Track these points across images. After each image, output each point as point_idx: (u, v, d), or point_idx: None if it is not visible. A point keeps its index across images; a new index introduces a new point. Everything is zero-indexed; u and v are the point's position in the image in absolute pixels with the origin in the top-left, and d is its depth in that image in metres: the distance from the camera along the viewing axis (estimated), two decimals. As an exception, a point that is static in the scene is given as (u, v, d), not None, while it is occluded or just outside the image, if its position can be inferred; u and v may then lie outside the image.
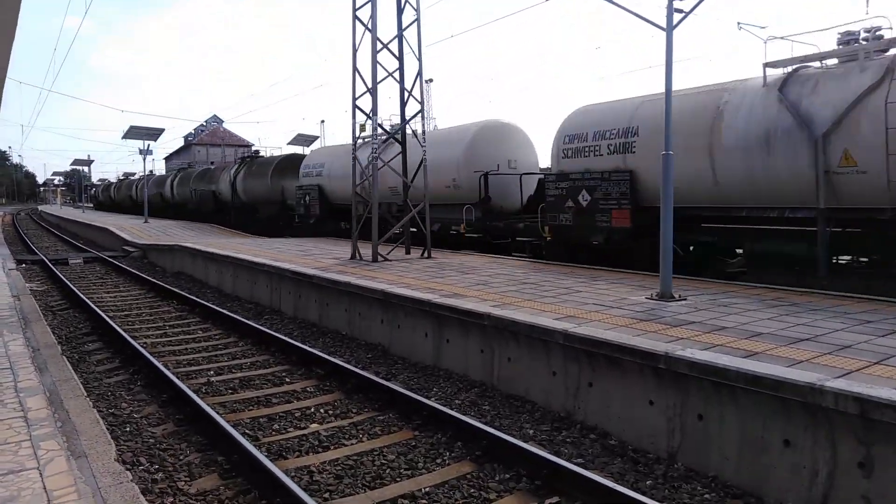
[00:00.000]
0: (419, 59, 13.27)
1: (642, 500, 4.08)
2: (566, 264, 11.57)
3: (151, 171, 49.45)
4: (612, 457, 5.24)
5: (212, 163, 52.43)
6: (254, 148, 31.84)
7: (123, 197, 55.06)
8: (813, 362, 4.84)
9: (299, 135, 34.06)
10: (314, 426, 6.00)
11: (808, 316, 6.60)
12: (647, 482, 4.78)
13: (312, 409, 6.44)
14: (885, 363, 4.81)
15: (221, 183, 30.19)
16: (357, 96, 12.98)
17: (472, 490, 4.69)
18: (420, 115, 13.80)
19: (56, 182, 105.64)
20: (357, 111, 13.07)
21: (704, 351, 5.18)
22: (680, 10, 7.49)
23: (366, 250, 12.84)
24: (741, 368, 4.68)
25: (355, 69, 12.94)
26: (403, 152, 13.83)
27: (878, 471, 4.00)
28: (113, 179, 70.15)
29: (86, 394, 5.90)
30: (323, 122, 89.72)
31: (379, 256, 12.54)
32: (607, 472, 4.93)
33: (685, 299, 7.61)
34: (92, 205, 73.40)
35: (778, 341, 5.51)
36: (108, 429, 5.27)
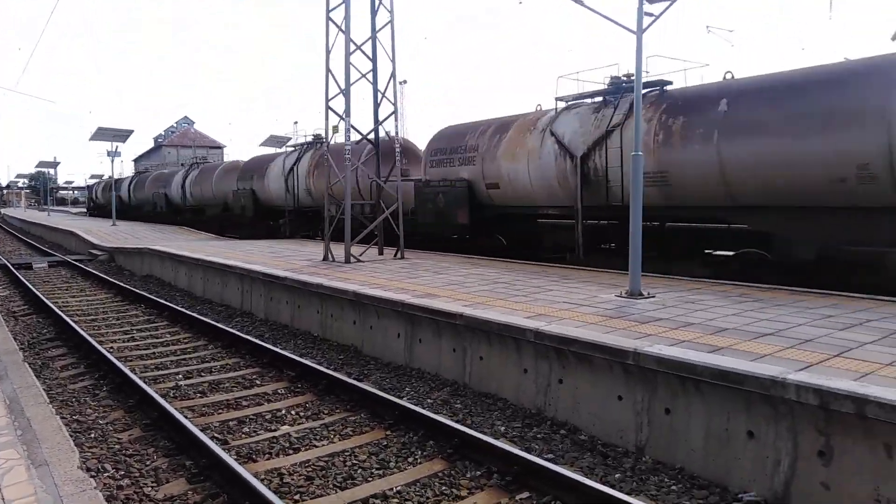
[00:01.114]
0: (392, 61, 13.25)
1: (610, 494, 4.13)
2: (538, 263, 11.68)
3: (145, 171, 42.20)
4: (581, 451, 5.30)
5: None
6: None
7: (147, 199, 36.31)
8: (776, 356, 4.96)
9: (272, 136, 33.73)
10: (285, 428, 5.94)
11: (772, 311, 6.75)
12: (616, 475, 4.84)
13: (283, 411, 6.38)
14: (843, 356, 4.95)
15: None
16: (330, 97, 12.91)
17: (444, 488, 4.69)
18: (394, 116, 13.78)
19: (20, 185, 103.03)
20: (330, 112, 13.00)
21: (672, 347, 5.27)
22: (650, 14, 7.60)
23: (338, 251, 12.76)
24: (708, 363, 4.77)
25: (328, 70, 12.86)
26: (377, 154, 13.81)
27: (837, 459, 4.12)
28: (126, 178, 48.56)
29: (48, 400, 5.76)
30: (296, 123, 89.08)
31: (352, 257, 12.48)
32: (577, 466, 4.98)
33: (654, 297, 7.72)
34: (86, 210, 57.41)
35: (743, 336, 5.63)
36: (71, 435, 5.16)
